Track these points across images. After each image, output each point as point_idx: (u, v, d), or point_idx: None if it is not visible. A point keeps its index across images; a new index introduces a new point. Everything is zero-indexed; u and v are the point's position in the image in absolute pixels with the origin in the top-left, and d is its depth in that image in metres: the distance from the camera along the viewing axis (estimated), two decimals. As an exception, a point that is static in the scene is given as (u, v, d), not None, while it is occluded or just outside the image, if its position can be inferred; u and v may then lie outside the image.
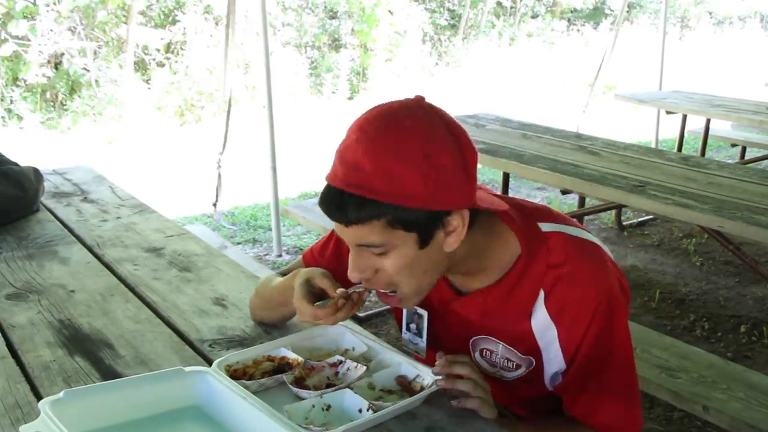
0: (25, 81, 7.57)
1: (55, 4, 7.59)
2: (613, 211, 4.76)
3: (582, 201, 4.34)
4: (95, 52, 8.10)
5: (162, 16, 8.72)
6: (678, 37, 13.33)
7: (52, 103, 7.86)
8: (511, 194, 3.19)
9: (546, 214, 1.22)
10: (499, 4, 12.20)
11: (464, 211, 1.08)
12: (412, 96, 1.12)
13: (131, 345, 1.37)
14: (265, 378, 1.20)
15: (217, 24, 8.66)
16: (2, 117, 7.41)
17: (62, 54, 7.75)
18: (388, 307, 3.57)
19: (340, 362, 1.25)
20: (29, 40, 7.40)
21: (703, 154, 5.48)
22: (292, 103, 8.45)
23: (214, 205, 4.87)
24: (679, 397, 2.09)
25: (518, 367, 1.22)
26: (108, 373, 1.26)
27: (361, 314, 3.46)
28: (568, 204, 5.24)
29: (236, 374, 1.21)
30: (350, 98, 9.49)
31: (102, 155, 6.44)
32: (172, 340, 1.40)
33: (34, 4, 7.38)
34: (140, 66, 8.48)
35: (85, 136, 7.24)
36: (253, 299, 1.48)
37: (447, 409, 1.14)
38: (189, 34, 8.56)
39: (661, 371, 2.20)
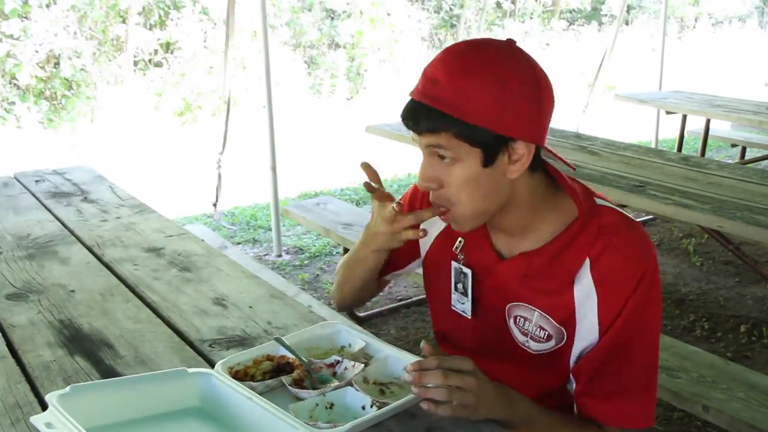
0: (17, 81, 7.55)
1: (48, 5, 7.58)
2: (613, 211, 4.74)
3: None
4: (94, 53, 8.10)
5: (161, 16, 8.72)
6: (677, 37, 13.33)
7: (51, 103, 7.85)
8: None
9: (602, 197, 1.27)
10: (498, 4, 12.20)
11: (530, 144, 1.13)
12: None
13: (131, 345, 1.37)
14: (268, 379, 1.21)
15: (215, 24, 8.66)
16: (1, 117, 7.40)
17: (60, 54, 7.74)
18: (388, 306, 3.61)
19: (338, 362, 1.26)
20: (22, 40, 7.39)
21: (703, 154, 5.49)
22: (291, 103, 8.45)
23: (214, 205, 4.88)
24: (679, 397, 2.09)
25: (549, 338, 1.22)
26: (108, 373, 1.26)
27: (361, 314, 3.47)
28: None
29: (238, 375, 1.21)
30: (349, 98, 9.49)
31: (102, 155, 6.44)
32: (172, 340, 1.40)
33: (27, 3, 7.37)
34: (139, 66, 8.48)
35: (85, 136, 7.24)
36: (338, 275, 1.53)
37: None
38: (188, 34, 8.55)
39: (660, 371, 2.16)
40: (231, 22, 4.62)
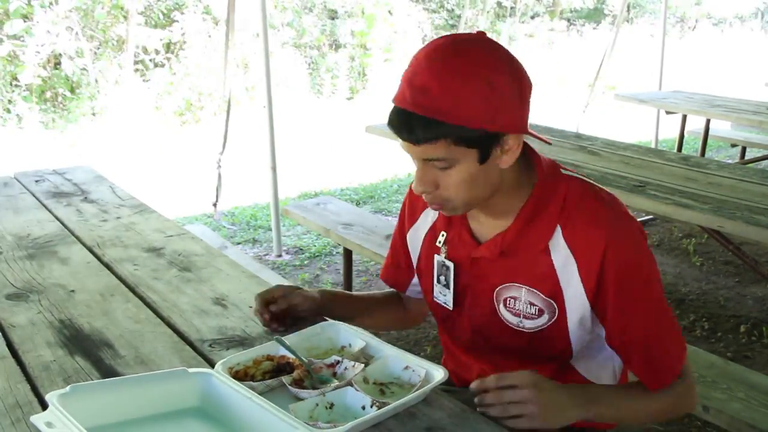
0: (18, 81, 7.55)
1: (51, 5, 7.58)
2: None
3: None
4: (95, 53, 8.10)
5: (161, 16, 8.72)
6: (678, 37, 13.33)
7: (51, 103, 7.86)
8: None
9: (573, 171, 1.30)
10: (499, 4, 12.20)
11: (520, 134, 1.18)
12: None
13: (131, 345, 1.37)
14: (268, 379, 1.21)
15: (216, 24, 8.66)
16: (1, 117, 7.40)
17: (61, 54, 7.74)
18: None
19: (338, 362, 1.26)
20: (25, 41, 7.39)
21: (703, 154, 5.49)
22: (291, 103, 8.46)
23: (214, 205, 4.88)
24: (679, 397, 2.08)
25: (541, 313, 1.25)
26: (108, 373, 1.26)
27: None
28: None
29: (238, 375, 1.21)
30: (350, 98, 9.50)
31: (102, 155, 6.44)
32: (172, 340, 1.40)
33: (29, 4, 7.37)
34: (140, 66, 8.48)
35: (85, 136, 7.24)
36: None
37: (447, 409, 1.15)
38: (188, 34, 8.55)
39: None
40: (231, 22, 4.62)
